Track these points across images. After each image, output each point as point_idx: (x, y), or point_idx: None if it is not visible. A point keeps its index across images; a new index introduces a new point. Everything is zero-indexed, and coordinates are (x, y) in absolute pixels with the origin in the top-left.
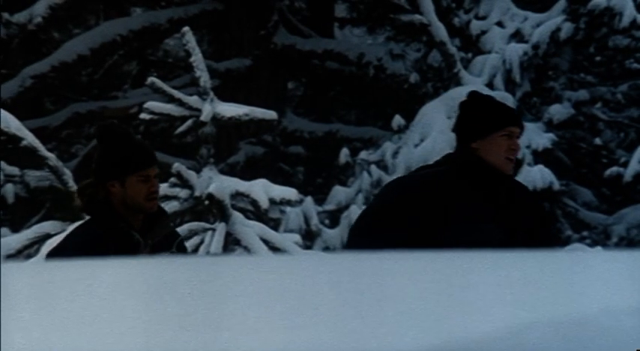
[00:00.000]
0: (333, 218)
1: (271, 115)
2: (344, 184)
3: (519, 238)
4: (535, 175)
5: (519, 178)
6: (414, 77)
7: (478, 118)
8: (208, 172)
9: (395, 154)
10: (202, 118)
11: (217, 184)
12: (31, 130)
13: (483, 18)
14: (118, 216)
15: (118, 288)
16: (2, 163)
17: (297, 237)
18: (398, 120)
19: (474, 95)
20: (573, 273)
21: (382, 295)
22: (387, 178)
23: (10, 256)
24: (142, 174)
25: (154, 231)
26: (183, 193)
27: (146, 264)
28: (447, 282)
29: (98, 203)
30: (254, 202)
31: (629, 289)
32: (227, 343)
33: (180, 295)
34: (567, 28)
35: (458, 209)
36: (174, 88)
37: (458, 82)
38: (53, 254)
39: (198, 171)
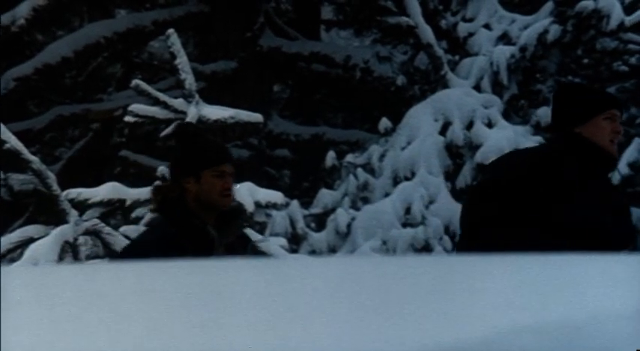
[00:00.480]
0: (319, 222)
1: (257, 117)
2: (330, 187)
3: (619, 223)
4: None
5: None
6: (400, 80)
7: (580, 102)
8: None
9: (382, 157)
10: (187, 120)
11: None
12: (15, 133)
13: (470, 20)
14: (192, 213)
15: (116, 292)
16: None
17: (283, 241)
18: (385, 123)
19: (567, 84)
20: (567, 276)
21: (372, 299)
22: (374, 182)
23: None
24: (216, 169)
25: (229, 230)
26: None
27: (143, 268)
28: (440, 286)
29: (172, 201)
30: (240, 206)
31: (623, 293)
32: (223, 347)
33: (179, 299)
34: (555, 30)
35: (570, 187)
36: (159, 90)
37: (445, 85)
38: (126, 253)
39: None
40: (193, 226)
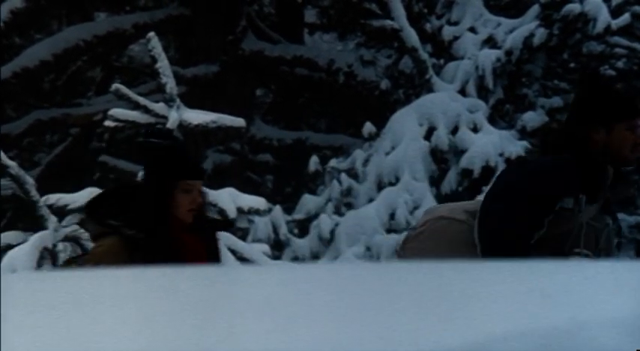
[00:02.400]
0: (302, 227)
1: (239, 122)
2: (313, 192)
3: None
4: None
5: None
6: (385, 84)
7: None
8: None
9: (366, 162)
10: (168, 125)
11: None
12: None
13: (456, 23)
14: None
15: (116, 298)
16: None
17: (265, 247)
18: (369, 127)
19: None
20: (561, 282)
21: (360, 306)
22: (358, 187)
23: None
24: (631, 123)
25: (620, 189)
26: None
27: (143, 273)
28: (426, 292)
29: (576, 142)
30: (221, 212)
31: (617, 300)
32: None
33: (179, 304)
34: (541, 33)
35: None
36: (140, 94)
37: (430, 89)
38: (525, 169)
39: None
40: (595, 171)
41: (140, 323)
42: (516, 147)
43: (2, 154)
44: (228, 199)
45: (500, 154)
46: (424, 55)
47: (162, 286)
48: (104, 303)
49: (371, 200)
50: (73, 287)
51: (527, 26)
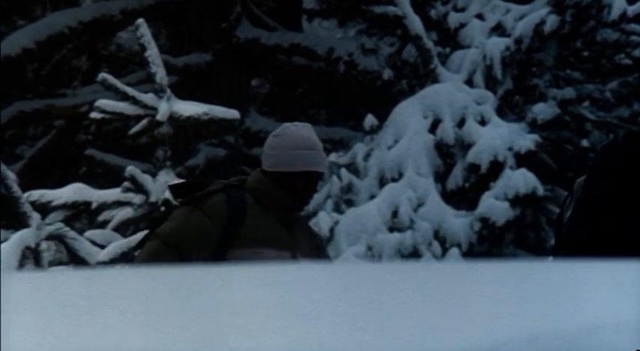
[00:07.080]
0: None
1: (233, 114)
2: None
3: None
4: (517, 180)
5: (500, 182)
6: (387, 74)
7: None
8: (165, 175)
9: (367, 156)
10: (158, 117)
11: None
12: None
13: (462, 10)
14: None
15: (116, 298)
16: None
17: None
18: (370, 120)
19: None
20: (566, 284)
21: (360, 308)
22: (359, 183)
23: None
24: None
25: None
26: (137, 198)
27: (143, 274)
28: (430, 294)
29: None
30: None
31: (625, 301)
32: None
33: (179, 304)
34: (552, 21)
35: None
36: (128, 84)
37: (435, 79)
38: None
39: (153, 175)
40: None
41: (140, 323)
42: (526, 140)
43: None
44: None
45: (510, 148)
46: (429, 44)
47: (162, 287)
48: (104, 303)
49: (372, 197)
50: (73, 287)
51: (537, 13)
